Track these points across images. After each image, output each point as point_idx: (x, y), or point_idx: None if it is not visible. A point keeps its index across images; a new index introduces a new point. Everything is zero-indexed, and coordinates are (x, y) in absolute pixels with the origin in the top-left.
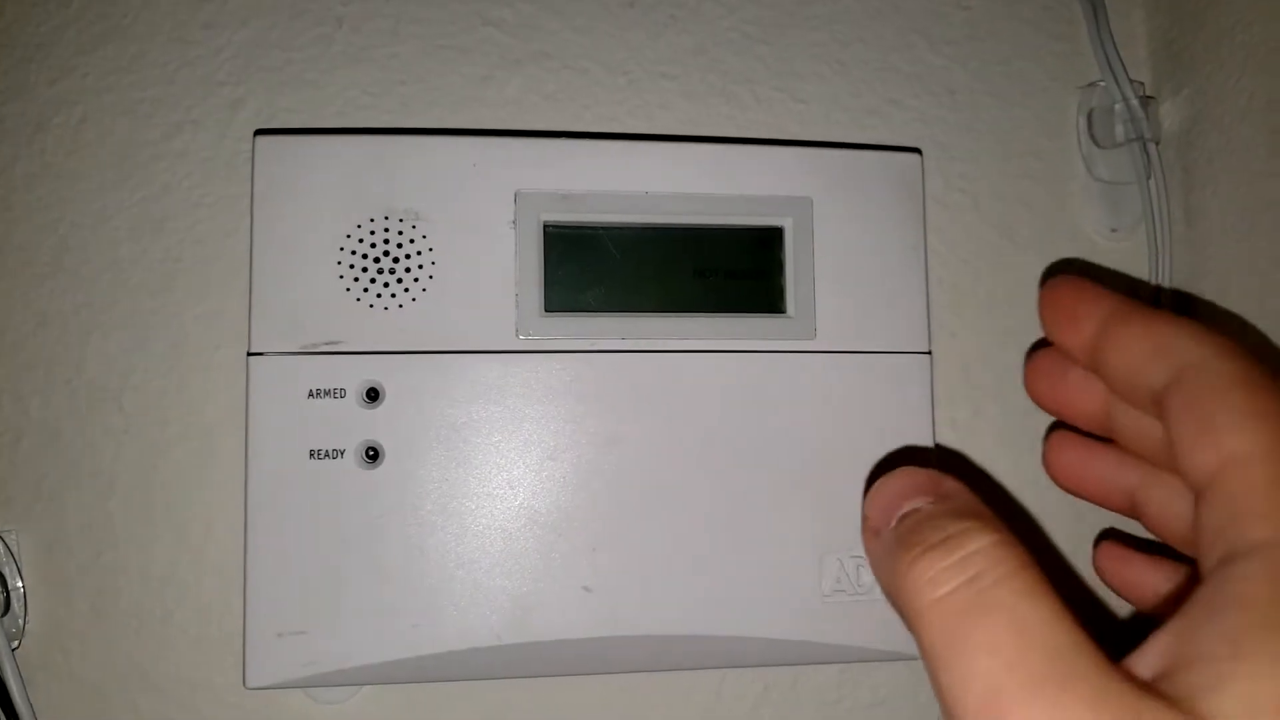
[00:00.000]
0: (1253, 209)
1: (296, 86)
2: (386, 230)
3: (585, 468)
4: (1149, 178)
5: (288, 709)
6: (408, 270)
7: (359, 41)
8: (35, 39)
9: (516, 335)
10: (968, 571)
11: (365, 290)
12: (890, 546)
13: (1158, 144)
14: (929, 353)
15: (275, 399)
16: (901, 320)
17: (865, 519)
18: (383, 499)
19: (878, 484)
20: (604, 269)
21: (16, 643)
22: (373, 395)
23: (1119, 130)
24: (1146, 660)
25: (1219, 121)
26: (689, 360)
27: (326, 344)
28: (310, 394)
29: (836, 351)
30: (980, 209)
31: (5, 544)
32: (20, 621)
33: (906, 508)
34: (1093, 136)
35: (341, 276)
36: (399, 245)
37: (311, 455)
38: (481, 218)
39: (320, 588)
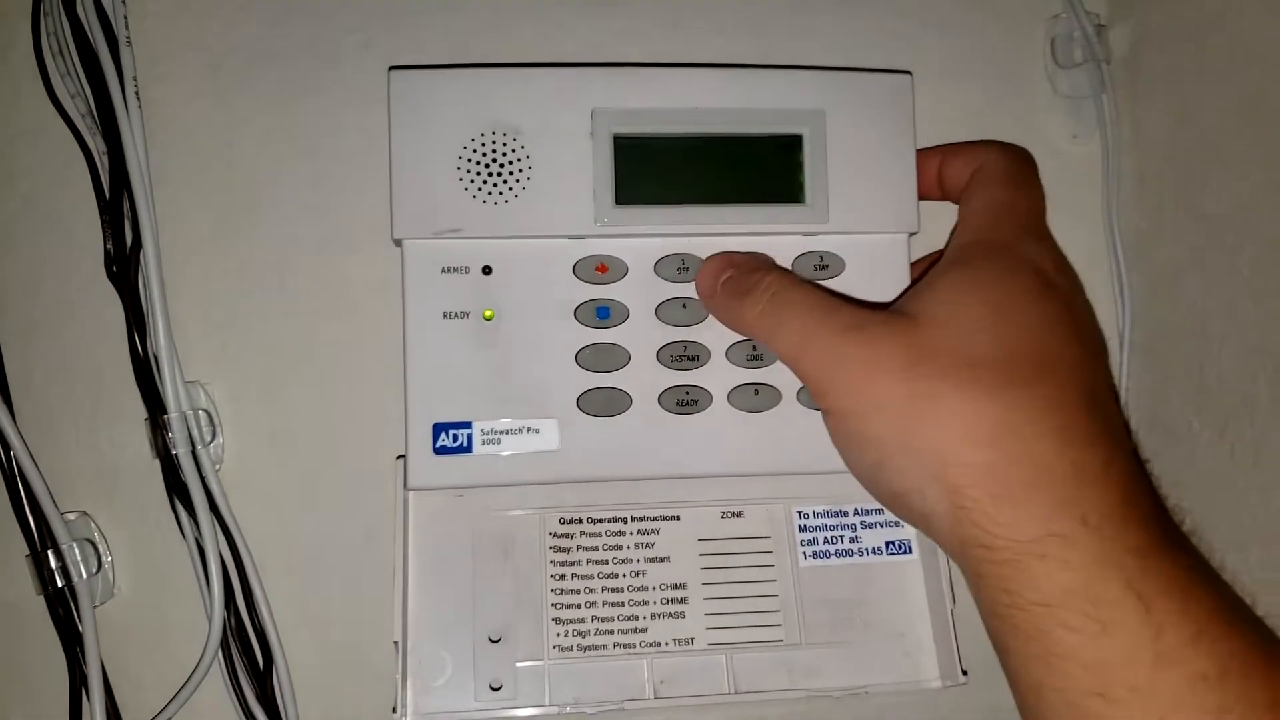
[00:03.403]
0: (1183, 117)
1: (412, 29)
2: (494, 143)
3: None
4: (1103, 93)
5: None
6: (511, 174)
7: None
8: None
9: (595, 223)
10: (769, 292)
11: (479, 190)
12: (724, 300)
13: (1109, 64)
14: (918, 233)
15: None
16: (897, 206)
17: (700, 290)
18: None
19: (700, 270)
20: (662, 170)
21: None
22: (487, 270)
23: (1076, 53)
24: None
25: (1159, 45)
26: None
27: (450, 231)
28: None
29: (845, 233)
30: (964, 121)
31: (207, 392)
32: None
33: (722, 277)
34: (1055, 59)
35: (460, 179)
36: (504, 154)
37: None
38: (566, 131)
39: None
